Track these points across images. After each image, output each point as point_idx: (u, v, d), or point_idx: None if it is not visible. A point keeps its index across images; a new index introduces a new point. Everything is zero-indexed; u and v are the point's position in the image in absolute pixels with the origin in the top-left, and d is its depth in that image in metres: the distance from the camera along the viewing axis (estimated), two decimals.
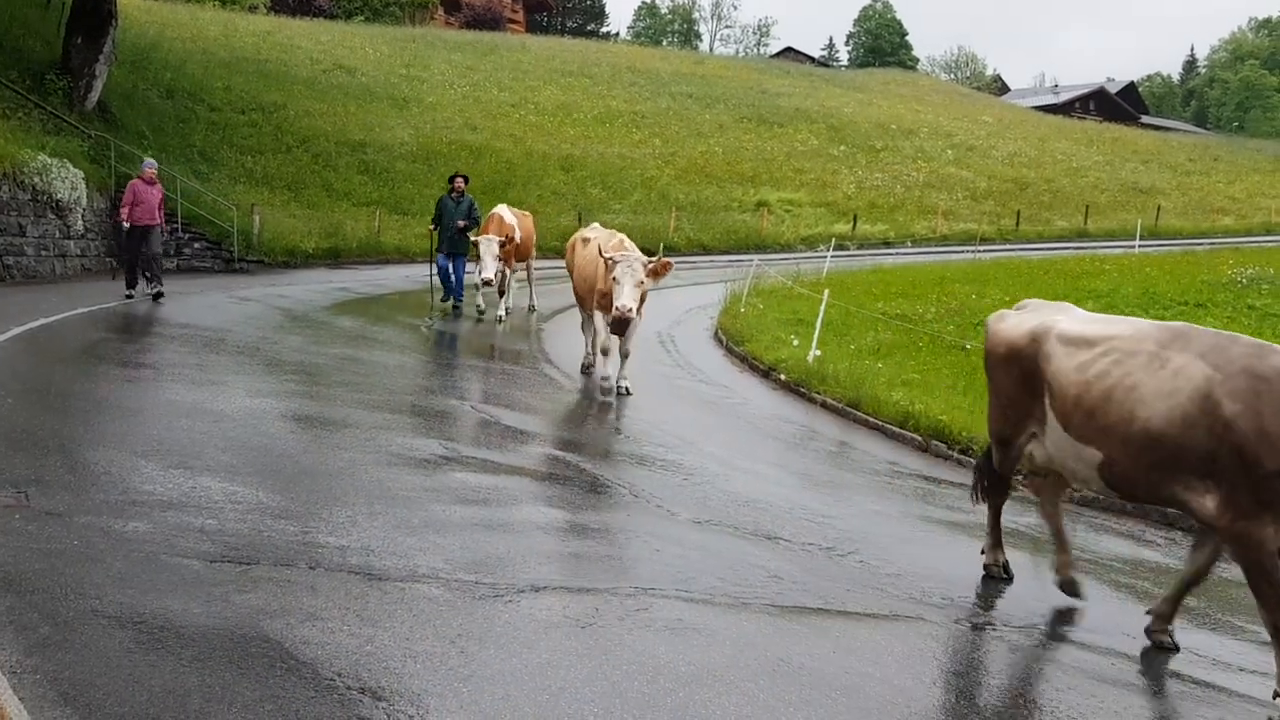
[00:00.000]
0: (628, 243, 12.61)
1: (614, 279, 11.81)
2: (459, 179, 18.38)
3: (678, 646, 5.07)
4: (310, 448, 8.38)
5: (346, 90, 40.49)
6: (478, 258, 16.93)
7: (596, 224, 15.23)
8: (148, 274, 16.51)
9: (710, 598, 5.87)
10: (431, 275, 18.94)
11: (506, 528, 6.75)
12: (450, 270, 18.15)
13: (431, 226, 18.53)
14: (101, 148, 23.24)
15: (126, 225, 16.90)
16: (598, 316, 12.72)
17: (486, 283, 16.72)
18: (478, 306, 17.68)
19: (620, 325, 12.02)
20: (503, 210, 17.82)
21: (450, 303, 18.32)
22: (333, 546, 5.80)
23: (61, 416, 8.28)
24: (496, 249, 16.57)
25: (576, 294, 13.82)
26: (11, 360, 10.43)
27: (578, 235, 14.26)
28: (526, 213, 18.99)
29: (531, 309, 19.10)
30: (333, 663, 4.34)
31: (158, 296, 16.19)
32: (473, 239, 17.06)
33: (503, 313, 17.64)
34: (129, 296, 16.18)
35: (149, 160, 17.63)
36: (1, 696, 3.64)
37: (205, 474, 6.90)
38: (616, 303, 11.73)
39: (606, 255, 12.08)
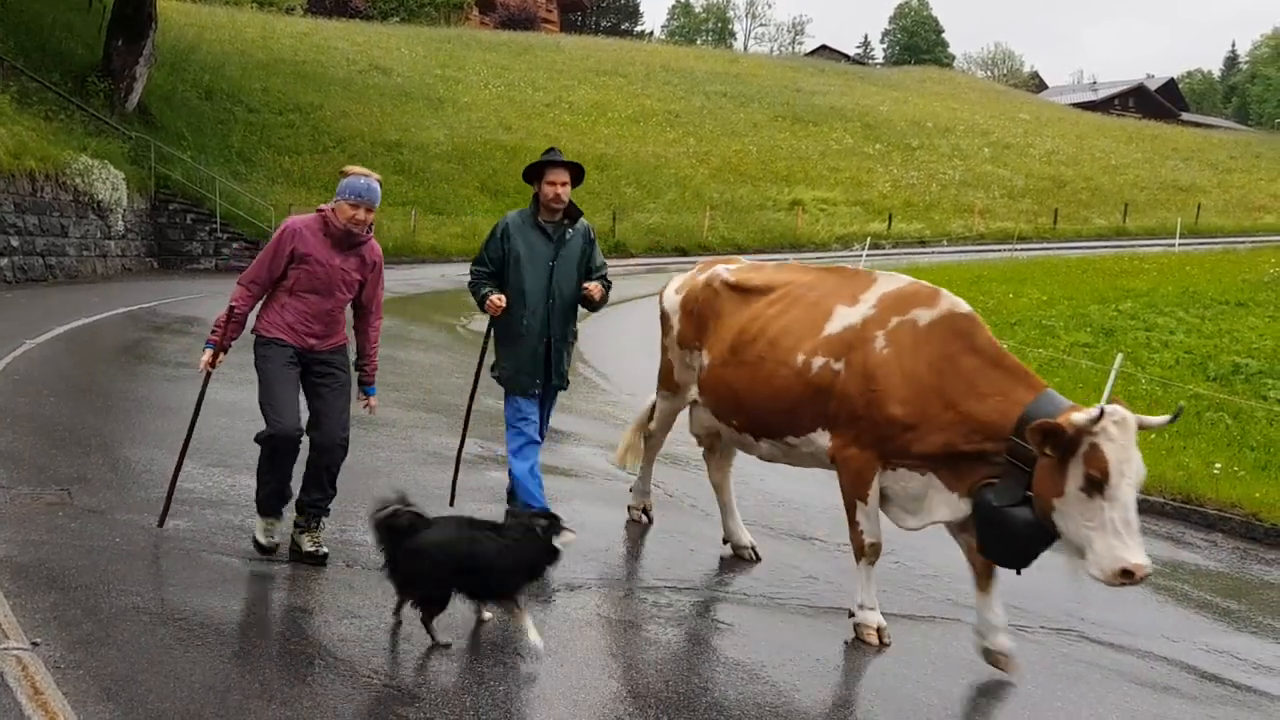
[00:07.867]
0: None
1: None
2: (559, 169, 6.86)
3: (713, 646, 5.07)
4: None
5: (382, 91, 40.74)
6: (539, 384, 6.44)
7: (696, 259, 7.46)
8: (313, 496, 5.79)
9: (745, 598, 5.86)
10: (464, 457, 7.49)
11: None
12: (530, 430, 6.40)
13: (490, 295, 6.55)
14: (142, 149, 23.56)
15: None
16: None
17: None
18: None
19: None
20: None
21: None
22: (370, 544, 5.83)
23: (103, 415, 8.39)
24: None
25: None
26: (54, 359, 10.58)
27: (713, 274, 6.70)
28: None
29: None
30: (370, 660, 4.38)
31: (319, 557, 5.66)
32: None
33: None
34: (261, 546, 5.60)
35: (358, 178, 5.69)
36: (46, 692, 3.70)
37: (243, 472, 6.95)
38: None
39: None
